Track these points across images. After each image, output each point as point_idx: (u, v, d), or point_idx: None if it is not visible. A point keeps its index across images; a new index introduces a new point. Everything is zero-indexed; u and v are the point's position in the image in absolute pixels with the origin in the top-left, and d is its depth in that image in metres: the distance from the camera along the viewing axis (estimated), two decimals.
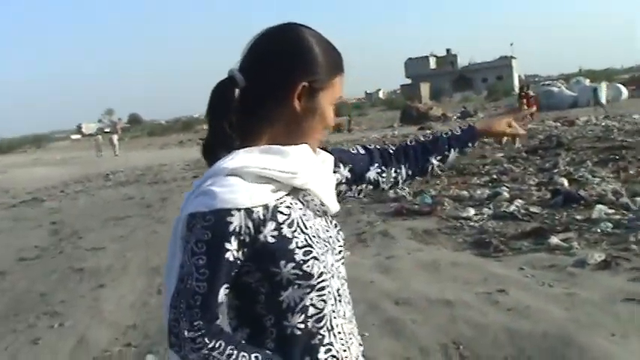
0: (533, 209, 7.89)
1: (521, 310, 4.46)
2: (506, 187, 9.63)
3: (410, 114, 38.67)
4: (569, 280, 5.08)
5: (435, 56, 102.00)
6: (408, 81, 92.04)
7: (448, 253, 6.45)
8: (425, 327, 4.29)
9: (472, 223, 7.61)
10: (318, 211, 1.29)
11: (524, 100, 27.32)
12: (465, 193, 9.63)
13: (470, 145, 1.63)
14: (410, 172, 1.57)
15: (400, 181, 1.56)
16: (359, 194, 1.53)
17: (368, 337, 4.24)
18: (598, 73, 56.16)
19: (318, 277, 1.21)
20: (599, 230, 6.47)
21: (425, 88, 79.55)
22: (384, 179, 1.53)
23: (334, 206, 1.33)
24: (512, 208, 8.02)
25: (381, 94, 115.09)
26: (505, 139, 1.76)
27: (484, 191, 9.48)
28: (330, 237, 1.30)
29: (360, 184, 1.50)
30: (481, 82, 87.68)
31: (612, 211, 7.14)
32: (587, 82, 39.04)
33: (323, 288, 1.23)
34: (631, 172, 9.65)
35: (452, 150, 1.60)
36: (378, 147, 1.58)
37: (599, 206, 7.28)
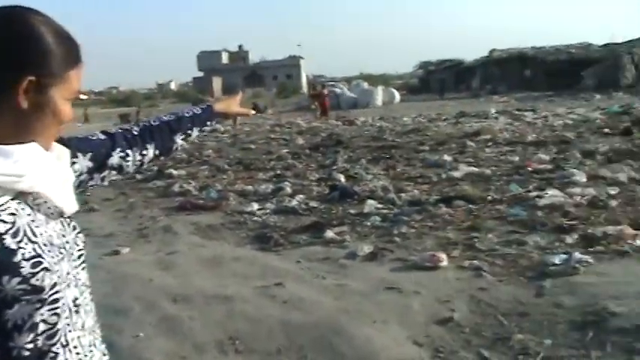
0: (312, 204, 8.28)
1: (296, 302, 4.66)
2: (289, 182, 9.99)
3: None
4: (340, 272, 5.42)
5: (228, 51, 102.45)
6: (201, 74, 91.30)
7: (230, 248, 6.51)
8: (202, 324, 4.29)
9: (255, 218, 7.77)
10: (52, 214, 1.16)
11: (319, 98, 28.87)
12: (250, 187, 9.79)
13: (209, 123, 1.71)
14: (157, 152, 1.55)
15: (146, 163, 1.54)
16: (102, 181, 1.45)
17: (143, 337, 4.14)
18: (376, 78, 60.54)
19: (50, 289, 1.09)
20: (369, 224, 6.98)
21: (217, 82, 79.49)
22: (129, 162, 1.48)
23: (71, 207, 1.20)
24: (293, 202, 8.33)
25: (172, 86, 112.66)
26: (234, 119, 1.90)
27: (268, 186, 9.74)
28: (67, 242, 1.19)
29: (103, 170, 1.43)
30: (272, 80, 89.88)
31: (381, 205, 7.76)
32: (366, 85, 41.97)
33: (56, 301, 1.11)
34: (398, 170, 10.57)
35: (194, 129, 1.65)
36: (121, 129, 1.53)
37: (370, 201, 7.87)
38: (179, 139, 1.61)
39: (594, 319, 4.00)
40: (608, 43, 47.02)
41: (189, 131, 1.63)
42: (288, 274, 5.39)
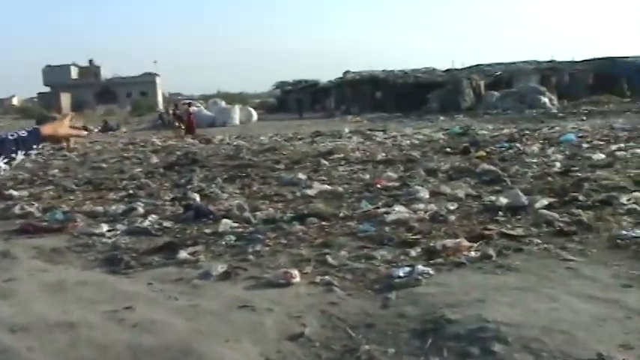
0: (166, 224, 8.11)
1: (147, 325, 4.53)
2: (142, 202, 9.71)
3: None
4: (194, 292, 5.35)
5: (78, 66, 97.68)
6: (47, 89, 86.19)
7: (76, 273, 6.20)
8: (42, 354, 4.05)
9: (105, 240, 7.46)
10: None
11: (185, 116, 28.31)
12: (99, 208, 9.39)
13: (35, 147, 1.69)
14: None
15: None
16: None
17: None
18: (233, 96, 60.59)
19: None
20: (224, 243, 6.96)
21: (66, 98, 75.48)
22: None
23: None
24: (146, 223, 8.11)
25: (15, 101, 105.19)
26: (66, 141, 1.87)
27: (119, 206, 9.40)
28: None
29: None
30: (126, 97, 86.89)
31: (236, 224, 7.77)
32: (224, 103, 41.87)
33: None
34: (254, 188, 10.65)
35: (18, 152, 1.62)
36: None
37: (226, 220, 7.85)
38: (1, 163, 1.54)
39: (433, 326, 4.28)
40: (450, 69, 50.65)
41: (13, 155, 1.57)
42: (139, 296, 5.23)
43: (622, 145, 14.38)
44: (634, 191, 8.33)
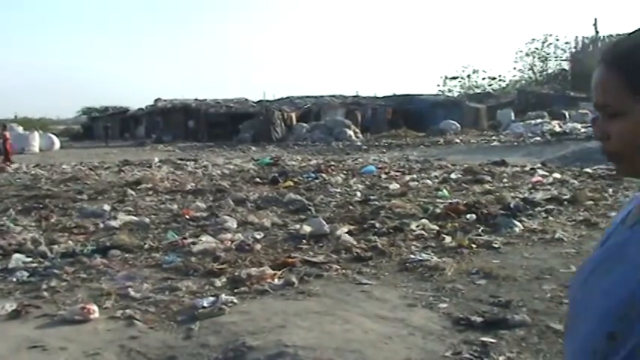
0: None
1: None
2: None
3: None
4: None
5: None
6: None
7: None
8: None
9: None
10: None
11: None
12: None
13: None
14: None
15: None
16: None
17: None
18: (33, 122, 56.30)
19: None
20: (14, 279, 6.46)
21: None
22: None
23: None
24: None
25: None
26: None
27: None
28: None
29: None
30: None
31: (30, 259, 7.24)
32: (21, 129, 38.83)
33: None
34: (52, 220, 9.99)
35: None
36: None
37: (17, 255, 7.28)
38: None
39: (234, 354, 4.36)
40: (261, 100, 51.82)
41: None
42: None
43: (415, 175, 15.71)
44: (422, 218, 9.15)
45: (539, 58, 61.15)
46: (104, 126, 47.66)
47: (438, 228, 8.45)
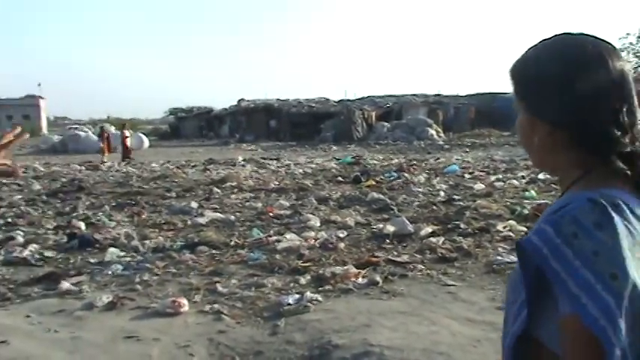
0: (48, 253, 7.75)
1: (23, 359, 4.32)
2: (22, 230, 9.22)
3: None
4: (75, 324, 5.15)
5: None
6: None
7: None
8: None
9: None
10: None
11: (122, 140, 27.22)
12: None
13: None
14: None
15: None
16: None
17: None
18: (124, 122, 58.81)
19: None
20: (110, 273, 6.75)
21: None
22: None
23: None
24: (26, 252, 7.71)
25: None
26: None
27: None
28: None
29: None
30: (6, 119, 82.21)
31: (124, 253, 7.56)
32: (113, 129, 40.58)
33: None
34: (143, 216, 10.39)
35: None
36: None
37: (112, 249, 7.62)
38: None
39: (320, 352, 4.37)
40: (342, 99, 51.96)
41: None
42: (16, 330, 4.97)
43: (500, 176, 15.31)
44: (509, 219, 8.89)
45: (634, 53, 58.19)
46: (199, 125, 49.24)
47: (526, 229, 8.19)
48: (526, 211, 9.41)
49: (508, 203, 10.51)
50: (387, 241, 7.90)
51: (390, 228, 8.35)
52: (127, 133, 28.55)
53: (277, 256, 7.24)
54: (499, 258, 6.84)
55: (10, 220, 10.36)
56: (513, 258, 6.72)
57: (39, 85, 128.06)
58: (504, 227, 8.38)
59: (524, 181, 13.99)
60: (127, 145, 27.61)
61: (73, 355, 4.43)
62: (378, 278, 6.16)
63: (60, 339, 4.78)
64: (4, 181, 16.96)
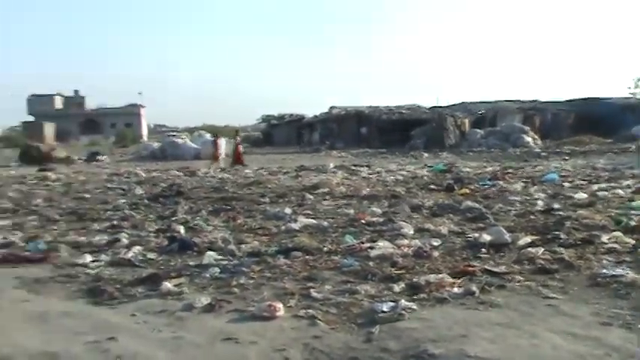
0: (150, 255, 8.09)
1: (130, 357, 4.53)
2: (126, 233, 9.69)
3: (30, 153, 36.13)
4: (177, 324, 5.34)
5: (62, 96, 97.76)
6: (31, 118, 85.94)
7: (59, 303, 6.15)
8: None
9: (88, 271, 7.42)
10: None
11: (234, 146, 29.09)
12: (83, 239, 9.36)
13: None
14: None
15: None
16: None
17: None
18: (219, 129, 60.67)
19: None
20: (208, 275, 6.96)
21: (49, 128, 75.13)
22: None
23: None
24: (130, 254, 8.09)
25: None
26: None
27: (103, 237, 9.37)
28: None
29: None
30: (110, 127, 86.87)
31: (221, 257, 7.78)
32: (209, 136, 41.95)
33: None
34: (239, 221, 10.67)
35: None
36: None
37: (210, 252, 7.86)
38: None
39: None
40: (434, 106, 51.31)
41: None
42: (122, 328, 5.22)
43: (603, 185, 14.61)
44: (614, 230, 8.46)
45: None
46: (299, 133, 50.42)
47: (633, 242, 7.76)
48: (633, 223, 8.92)
49: (613, 214, 10.01)
50: (483, 250, 7.71)
51: (486, 237, 8.15)
52: (238, 139, 30.11)
53: (370, 263, 7.23)
54: (604, 271, 6.51)
55: (115, 222, 10.92)
56: (620, 271, 6.41)
57: (139, 93, 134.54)
58: (609, 239, 7.98)
59: (630, 190, 13.28)
60: (240, 152, 28.96)
61: (176, 354, 4.59)
62: (474, 288, 6.01)
63: (163, 338, 4.98)
64: (109, 185, 17.92)
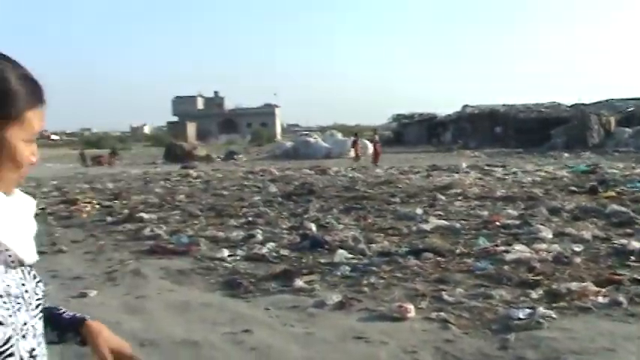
0: (283, 252, 8.31)
1: (264, 349, 4.66)
2: (261, 229, 10.02)
3: (174, 152, 38.47)
4: (309, 320, 5.44)
5: (203, 97, 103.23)
6: (175, 119, 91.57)
7: (199, 294, 6.49)
8: None
9: (226, 264, 7.76)
10: (13, 262, 1.11)
11: (373, 145, 30.26)
12: (221, 234, 9.79)
13: (69, 334, 1.40)
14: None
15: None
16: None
17: None
18: (350, 128, 61.33)
19: (4, 343, 1.05)
20: (338, 273, 7.02)
21: (191, 128, 79.65)
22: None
23: (31, 256, 1.14)
24: (264, 250, 8.36)
25: (146, 130, 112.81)
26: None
27: (239, 233, 9.75)
28: (26, 291, 1.14)
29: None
30: (246, 127, 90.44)
31: (351, 255, 7.82)
32: (340, 135, 42.46)
33: (11, 355, 1.07)
34: (369, 220, 10.68)
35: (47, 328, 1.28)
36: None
37: (341, 251, 7.93)
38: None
39: None
40: (576, 104, 48.50)
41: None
42: (257, 321, 5.39)
43: None
44: None
45: None
46: (430, 132, 50.25)
47: None
48: None
49: None
50: (632, 258, 7.15)
51: (635, 244, 7.56)
52: (376, 137, 30.82)
53: (505, 267, 6.95)
54: None
55: (250, 219, 11.33)
56: None
57: (275, 94, 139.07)
58: None
59: None
60: (378, 151, 29.48)
61: (308, 350, 4.67)
62: (621, 298, 5.59)
63: (295, 333, 5.08)
64: (245, 183, 18.64)
